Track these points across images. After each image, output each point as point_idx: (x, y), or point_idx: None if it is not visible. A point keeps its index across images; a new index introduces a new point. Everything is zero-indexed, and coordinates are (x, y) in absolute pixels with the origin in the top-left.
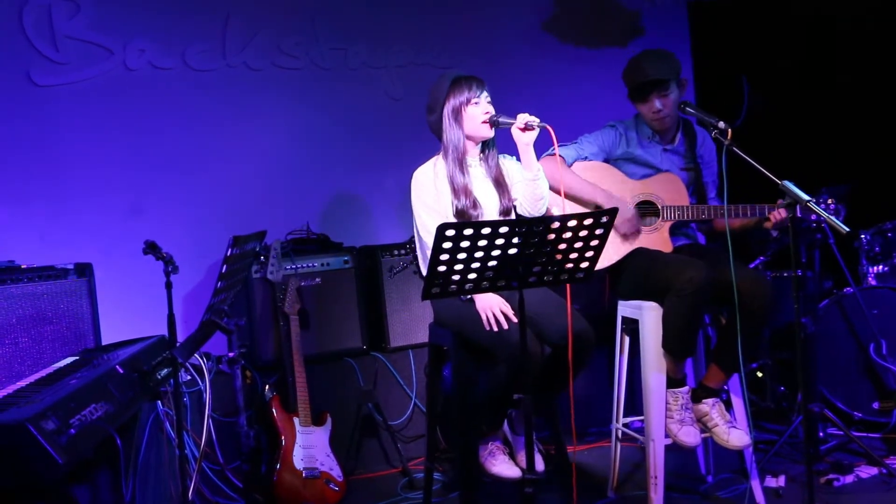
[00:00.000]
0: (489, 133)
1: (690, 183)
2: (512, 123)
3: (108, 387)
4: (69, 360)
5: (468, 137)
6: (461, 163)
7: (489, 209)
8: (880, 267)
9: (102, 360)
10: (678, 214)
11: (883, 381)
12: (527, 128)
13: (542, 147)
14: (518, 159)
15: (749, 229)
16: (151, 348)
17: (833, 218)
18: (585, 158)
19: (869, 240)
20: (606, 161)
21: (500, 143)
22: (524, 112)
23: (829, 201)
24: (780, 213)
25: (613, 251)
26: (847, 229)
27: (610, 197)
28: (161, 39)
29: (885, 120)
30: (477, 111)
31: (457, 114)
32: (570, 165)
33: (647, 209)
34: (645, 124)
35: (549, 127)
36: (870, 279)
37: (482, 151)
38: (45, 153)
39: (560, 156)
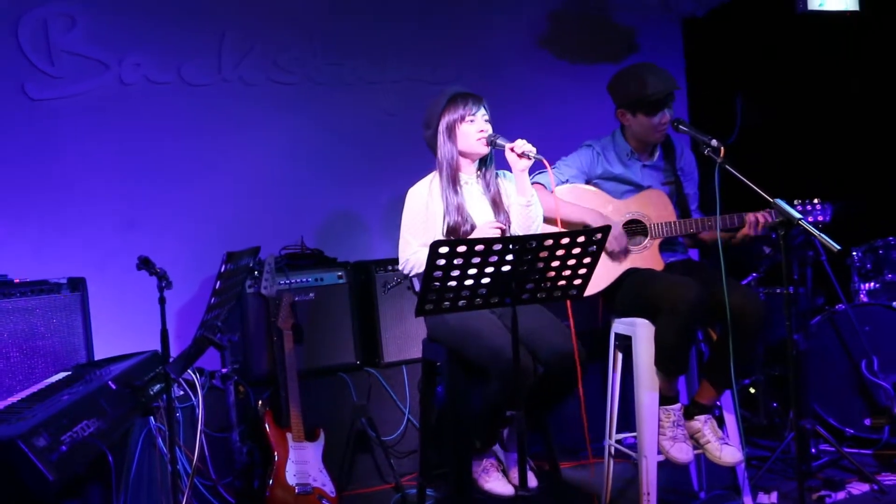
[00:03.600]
0: (483, 150)
1: (671, 196)
2: (508, 146)
3: (101, 402)
4: (61, 375)
5: (462, 154)
6: (454, 179)
7: None
8: (872, 284)
9: (95, 375)
10: (667, 231)
11: (874, 397)
12: (522, 155)
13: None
14: None
15: (735, 244)
16: (144, 364)
17: (825, 236)
18: (566, 182)
19: (860, 257)
20: (587, 182)
21: (498, 161)
22: (522, 138)
23: (815, 200)
24: (757, 218)
25: (605, 275)
26: (839, 247)
27: (599, 216)
28: (157, 54)
29: (878, 137)
30: (472, 128)
31: (451, 130)
32: (550, 192)
33: (634, 228)
34: (624, 141)
35: (545, 160)
36: (861, 296)
37: (479, 169)
38: (39, 167)
39: (540, 183)
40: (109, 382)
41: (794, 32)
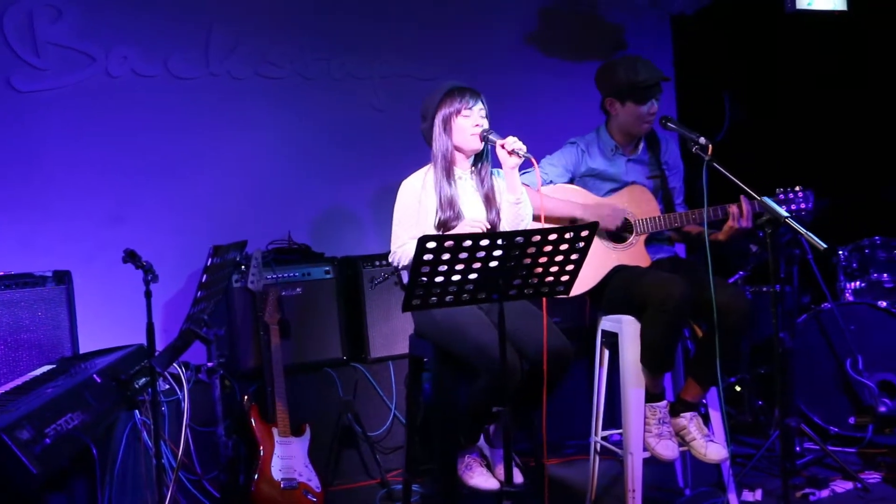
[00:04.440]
0: (478, 146)
1: (656, 190)
2: (499, 143)
3: (86, 396)
4: (46, 368)
5: (457, 148)
6: (448, 173)
7: None
8: (857, 283)
9: (80, 368)
10: (651, 226)
11: (859, 396)
12: (512, 152)
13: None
14: None
15: (722, 240)
16: (130, 357)
17: (811, 234)
18: (550, 182)
19: (847, 256)
20: (572, 181)
21: (494, 160)
22: (513, 135)
23: (797, 188)
24: (737, 209)
25: (593, 273)
26: (825, 245)
27: (585, 210)
28: (144, 47)
29: (866, 136)
30: (467, 122)
31: (446, 123)
32: (536, 191)
33: (620, 225)
34: (608, 136)
35: (533, 160)
36: (847, 295)
37: (474, 164)
38: (25, 160)
39: (525, 184)
40: (94, 376)
41: (783, 31)
